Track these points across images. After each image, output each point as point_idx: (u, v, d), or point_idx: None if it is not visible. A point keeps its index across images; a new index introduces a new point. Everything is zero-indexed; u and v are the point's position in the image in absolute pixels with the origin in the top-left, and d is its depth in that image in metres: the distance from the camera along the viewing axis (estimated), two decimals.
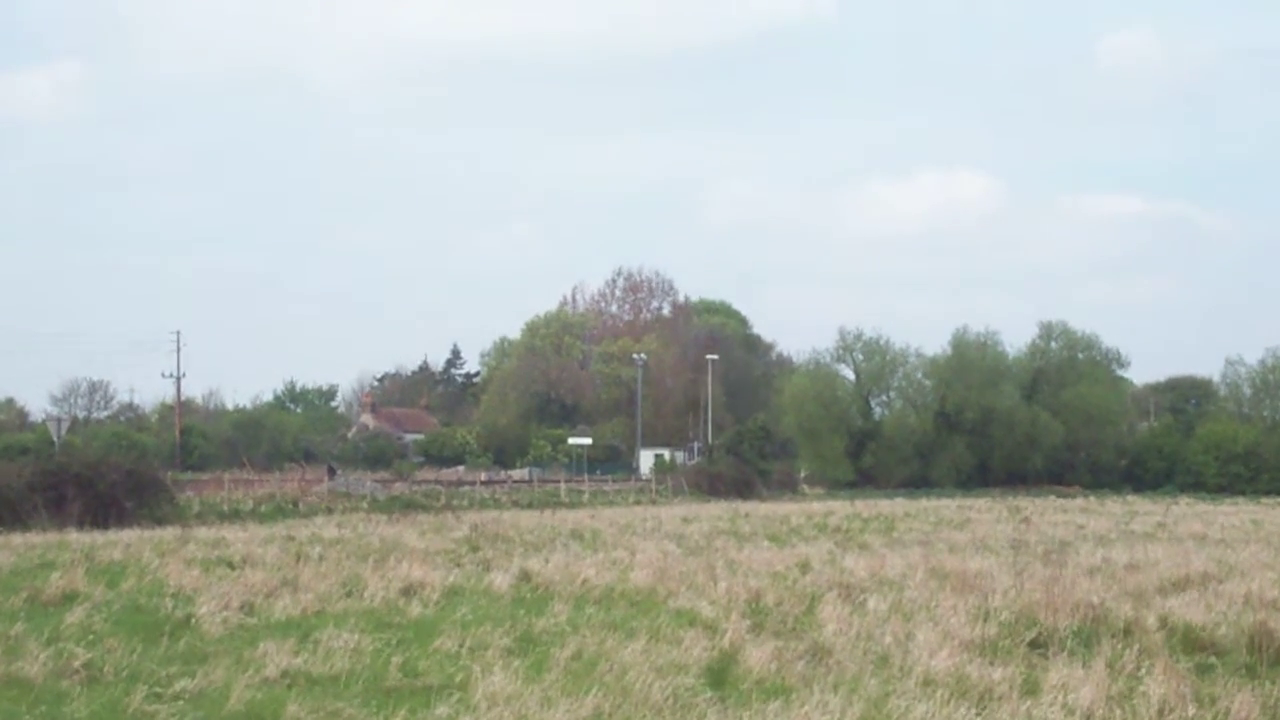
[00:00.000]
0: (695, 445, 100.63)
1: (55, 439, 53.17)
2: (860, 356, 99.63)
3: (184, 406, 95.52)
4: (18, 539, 29.05)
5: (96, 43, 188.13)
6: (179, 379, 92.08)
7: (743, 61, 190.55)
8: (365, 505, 48.77)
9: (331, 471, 63.60)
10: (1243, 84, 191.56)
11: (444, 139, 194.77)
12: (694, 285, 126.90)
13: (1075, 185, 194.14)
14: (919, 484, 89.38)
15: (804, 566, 21.54)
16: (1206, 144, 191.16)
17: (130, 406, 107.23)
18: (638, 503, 61.79)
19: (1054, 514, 48.54)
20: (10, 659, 12.00)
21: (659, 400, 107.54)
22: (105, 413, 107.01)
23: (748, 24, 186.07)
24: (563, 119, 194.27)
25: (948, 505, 59.75)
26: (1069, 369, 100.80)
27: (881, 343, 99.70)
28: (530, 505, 55.05)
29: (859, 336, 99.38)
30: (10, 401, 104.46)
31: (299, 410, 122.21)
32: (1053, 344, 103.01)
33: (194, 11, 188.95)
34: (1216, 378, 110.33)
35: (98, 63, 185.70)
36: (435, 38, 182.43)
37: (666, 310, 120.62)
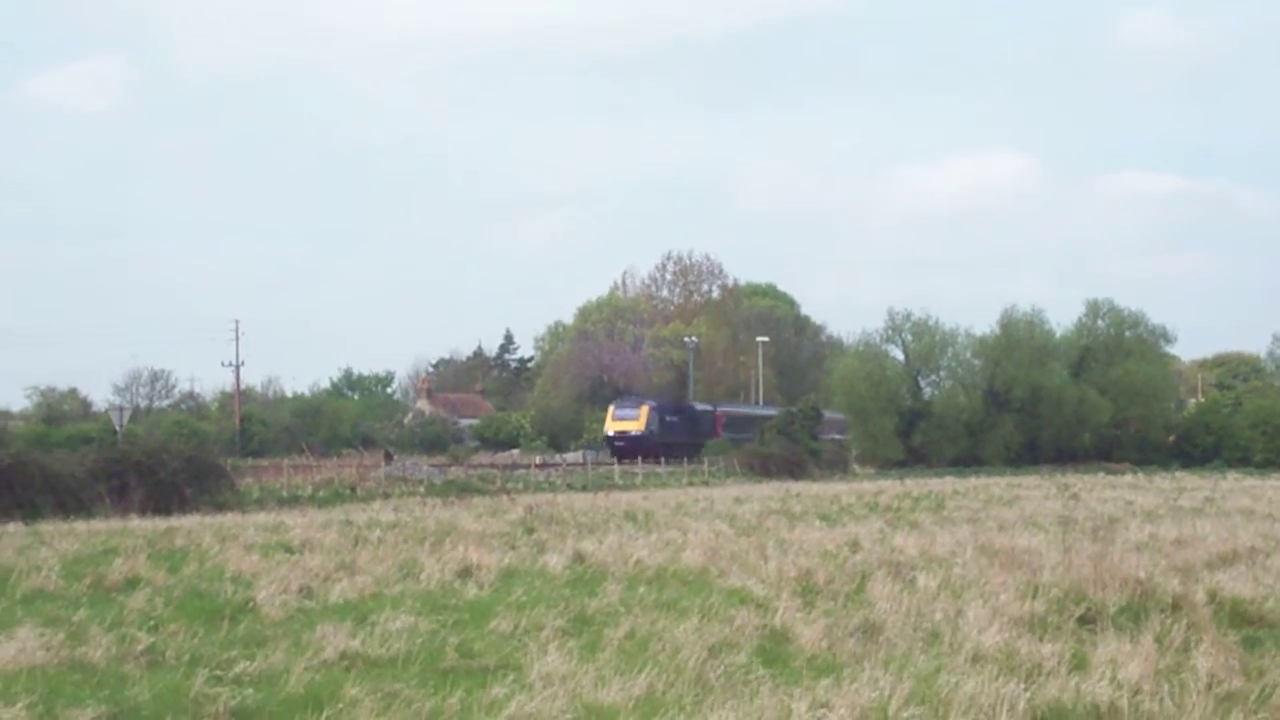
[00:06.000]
0: None
1: (117, 428, 53.90)
2: (909, 337, 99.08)
3: (243, 394, 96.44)
4: (82, 526, 29.35)
5: (138, 39, 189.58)
6: (238, 367, 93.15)
7: (774, 47, 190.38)
8: (422, 489, 48.98)
9: (388, 456, 63.80)
10: (1262, 63, 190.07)
11: (480, 129, 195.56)
12: (732, 269, 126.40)
13: (1109, 164, 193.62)
14: (968, 462, 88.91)
15: (854, 545, 21.52)
16: (1235, 122, 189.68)
17: (191, 395, 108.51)
18: (690, 484, 61.66)
19: (1103, 490, 48.25)
20: (74, 643, 12.14)
21: (710, 382, 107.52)
22: (166, 402, 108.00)
23: (779, 10, 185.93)
24: (598, 107, 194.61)
25: (997, 483, 59.49)
26: (1116, 347, 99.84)
27: (930, 323, 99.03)
28: (584, 488, 55.12)
29: (908, 317, 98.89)
30: (74, 391, 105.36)
31: (356, 397, 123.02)
32: (1100, 322, 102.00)
33: (229, 9, 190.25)
34: (1263, 353, 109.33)
35: (141, 58, 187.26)
36: (468, 31, 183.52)
37: (716, 293, 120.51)
